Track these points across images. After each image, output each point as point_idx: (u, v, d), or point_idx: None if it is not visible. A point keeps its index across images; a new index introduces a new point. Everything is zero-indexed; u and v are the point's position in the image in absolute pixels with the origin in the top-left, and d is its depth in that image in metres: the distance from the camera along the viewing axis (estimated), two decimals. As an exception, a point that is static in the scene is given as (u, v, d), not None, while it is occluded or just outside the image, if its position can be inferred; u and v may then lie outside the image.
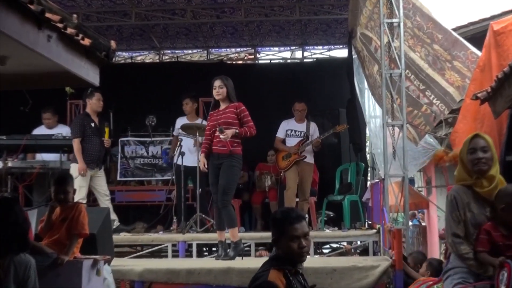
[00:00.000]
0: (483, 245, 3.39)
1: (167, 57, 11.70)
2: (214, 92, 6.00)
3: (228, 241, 6.02)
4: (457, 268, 3.49)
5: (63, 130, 7.50)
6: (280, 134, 7.89)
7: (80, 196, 6.59)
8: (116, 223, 6.99)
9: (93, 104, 7.11)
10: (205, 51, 11.57)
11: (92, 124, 7.06)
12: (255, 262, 5.99)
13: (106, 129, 7.25)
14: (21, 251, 3.42)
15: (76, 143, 6.84)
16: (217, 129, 5.86)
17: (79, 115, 7.09)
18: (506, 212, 3.38)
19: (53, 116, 7.69)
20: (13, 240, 3.41)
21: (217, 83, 6.00)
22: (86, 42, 3.87)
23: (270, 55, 11.80)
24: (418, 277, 5.28)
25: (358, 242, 7.74)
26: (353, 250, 8.28)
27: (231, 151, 5.86)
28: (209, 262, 5.99)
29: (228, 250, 5.97)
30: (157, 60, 11.62)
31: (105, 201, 7.03)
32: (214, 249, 7.78)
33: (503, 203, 3.40)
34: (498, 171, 3.53)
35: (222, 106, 6.02)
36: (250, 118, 5.96)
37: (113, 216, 6.95)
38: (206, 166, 5.96)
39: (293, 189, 7.63)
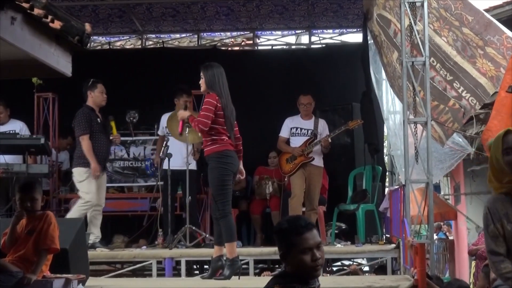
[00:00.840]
0: None
1: (151, 42, 11.71)
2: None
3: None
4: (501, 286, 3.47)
5: (16, 126, 7.52)
6: (284, 133, 7.90)
7: (92, 201, 6.81)
8: (94, 239, 7.01)
9: (96, 97, 7.18)
10: (196, 36, 11.58)
11: (98, 120, 7.14)
12: (253, 282, 6.02)
13: (112, 123, 7.38)
14: None
15: (86, 141, 6.93)
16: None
17: (83, 109, 7.13)
18: None
19: (5, 109, 7.71)
20: None
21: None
22: (56, 25, 3.88)
23: (272, 40, 11.82)
24: None
25: (375, 259, 7.76)
26: (361, 271, 8.30)
27: (206, 152, 5.94)
28: (200, 282, 6.01)
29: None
30: (139, 46, 11.63)
31: (96, 211, 7.08)
32: (206, 266, 7.80)
33: None
34: None
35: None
36: (204, 110, 5.85)
37: (96, 232, 6.99)
38: None
39: (299, 196, 7.64)
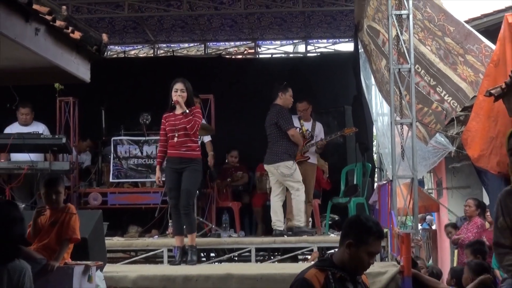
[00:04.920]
0: None
1: (162, 51, 11.71)
2: (175, 94, 6.09)
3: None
4: (508, 279, 3.34)
5: (39, 128, 7.51)
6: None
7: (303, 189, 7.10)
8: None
9: (286, 99, 7.42)
10: (203, 45, 11.58)
11: None
12: (255, 268, 6.01)
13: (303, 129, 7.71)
14: (15, 258, 3.43)
15: (295, 132, 7.27)
16: None
17: (281, 106, 7.35)
18: None
19: (31, 112, 7.71)
20: (11, 248, 3.42)
21: (179, 86, 6.11)
22: (76, 35, 3.87)
23: (271, 49, 11.81)
24: (435, 284, 5.28)
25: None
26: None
27: (194, 155, 6.05)
28: (207, 268, 6.01)
29: (187, 255, 6.14)
30: (152, 55, 11.62)
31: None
32: (212, 254, 7.79)
33: None
34: None
35: (179, 110, 6.10)
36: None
37: None
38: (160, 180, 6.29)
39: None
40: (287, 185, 7.29)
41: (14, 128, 7.50)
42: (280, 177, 7.30)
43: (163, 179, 6.31)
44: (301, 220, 7.15)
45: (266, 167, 7.44)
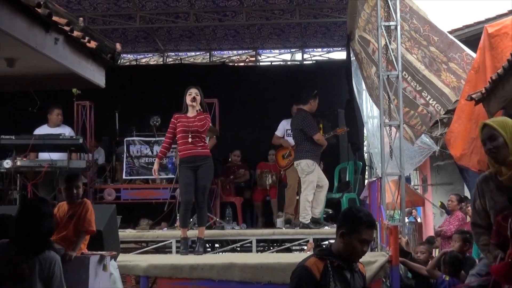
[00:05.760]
0: (492, 237, 3.12)
1: (171, 59, 11.69)
2: (189, 98, 6.08)
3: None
4: (483, 258, 3.33)
5: (65, 130, 7.49)
6: (279, 132, 7.91)
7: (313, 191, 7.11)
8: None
9: (313, 106, 7.46)
10: (208, 54, 11.56)
11: None
12: (255, 258, 6.00)
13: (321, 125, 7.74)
14: (46, 249, 3.44)
15: (321, 136, 7.31)
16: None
17: (306, 112, 7.37)
18: None
19: (61, 114, 7.70)
20: (41, 240, 3.43)
21: (194, 90, 6.11)
22: (92, 44, 3.87)
23: (271, 57, 11.79)
24: (420, 270, 5.28)
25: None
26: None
27: (207, 153, 6.08)
28: (211, 258, 6.00)
29: (194, 246, 6.17)
30: (161, 62, 11.60)
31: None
32: (217, 245, 7.78)
33: None
34: None
35: (192, 113, 6.09)
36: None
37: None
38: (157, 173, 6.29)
39: (294, 187, 7.63)
40: (302, 181, 7.27)
41: (42, 130, 7.49)
42: (300, 173, 7.29)
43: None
44: (306, 217, 7.12)
45: (294, 164, 7.47)
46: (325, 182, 7.32)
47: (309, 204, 7.12)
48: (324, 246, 3.07)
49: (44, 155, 7.16)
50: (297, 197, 7.64)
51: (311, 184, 7.15)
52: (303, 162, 7.22)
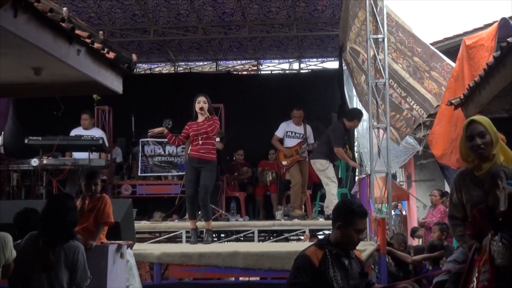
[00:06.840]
0: (468, 228, 3.06)
1: (181, 68, 11.69)
2: (198, 106, 6.11)
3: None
4: (460, 248, 3.26)
5: (96, 133, 7.48)
6: (279, 133, 7.87)
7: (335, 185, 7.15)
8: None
9: (354, 125, 7.39)
10: (214, 63, 11.55)
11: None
12: (257, 247, 6.00)
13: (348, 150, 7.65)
14: (70, 239, 3.45)
15: (340, 151, 7.16)
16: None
17: (342, 128, 7.25)
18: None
19: (90, 118, 7.69)
20: (66, 231, 3.44)
21: (202, 99, 6.14)
22: (111, 55, 3.87)
23: (271, 66, 11.77)
24: (405, 258, 5.27)
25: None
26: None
27: (210, 158, 6.07)
28: (218, 247, 5.99)
29: (202, 236, 6.19)
30: (173, 71, 11.60)
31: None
32: (222, 235, 7.77)
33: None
34: (499, 151, 3.02)
35: (201, 118, 6.13)
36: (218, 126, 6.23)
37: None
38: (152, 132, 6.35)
39: (299, 184, 7.58)
40: (322, 179, 7.30)
41: (76, 131, 7.48)
42: (317, 172, 7.32)
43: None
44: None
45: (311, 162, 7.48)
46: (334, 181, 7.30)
47: (334, 197, 7.11)
48: (322, 236, 3.06)
49: (78, 155, 7.18)
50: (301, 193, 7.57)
51: (330, 179, 7.17)
52: (317, 162, 7.24)
